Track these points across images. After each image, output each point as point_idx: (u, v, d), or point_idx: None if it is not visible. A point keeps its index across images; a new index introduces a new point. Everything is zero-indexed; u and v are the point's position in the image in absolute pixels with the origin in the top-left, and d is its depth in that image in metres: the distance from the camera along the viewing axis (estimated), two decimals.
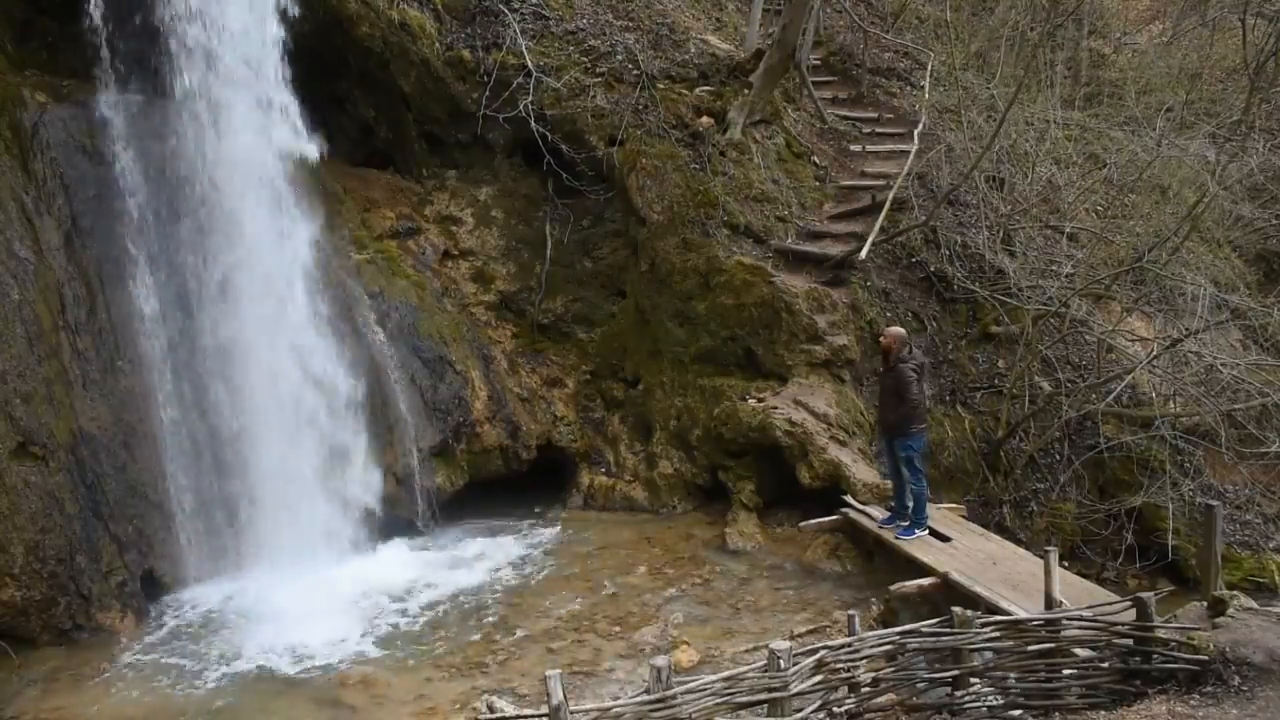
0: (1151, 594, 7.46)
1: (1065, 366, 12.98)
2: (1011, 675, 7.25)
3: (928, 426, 10.57)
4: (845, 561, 10.98)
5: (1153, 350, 12.49)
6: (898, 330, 10.69)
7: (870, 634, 7.16)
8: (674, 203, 13.10)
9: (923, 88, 16.08)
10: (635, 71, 13.88)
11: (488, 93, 13.34)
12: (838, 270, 13.22)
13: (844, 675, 6.80)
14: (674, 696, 6.15)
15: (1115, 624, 7.29)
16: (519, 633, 9.78)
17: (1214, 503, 8.44)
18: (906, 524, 10.37)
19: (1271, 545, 11.75)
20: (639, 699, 6.22)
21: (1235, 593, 7.99)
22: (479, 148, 13.93)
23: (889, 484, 11.26)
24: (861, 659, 6.88)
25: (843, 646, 6.85)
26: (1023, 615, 7.91)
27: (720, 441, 12.43)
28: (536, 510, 13.01)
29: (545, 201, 13.95)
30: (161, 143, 11.07)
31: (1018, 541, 11.01)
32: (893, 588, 9.59)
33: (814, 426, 11.75)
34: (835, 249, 13.40)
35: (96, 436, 10.18)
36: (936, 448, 12.36)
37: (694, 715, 6.19)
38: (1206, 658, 7.07)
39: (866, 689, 6.92)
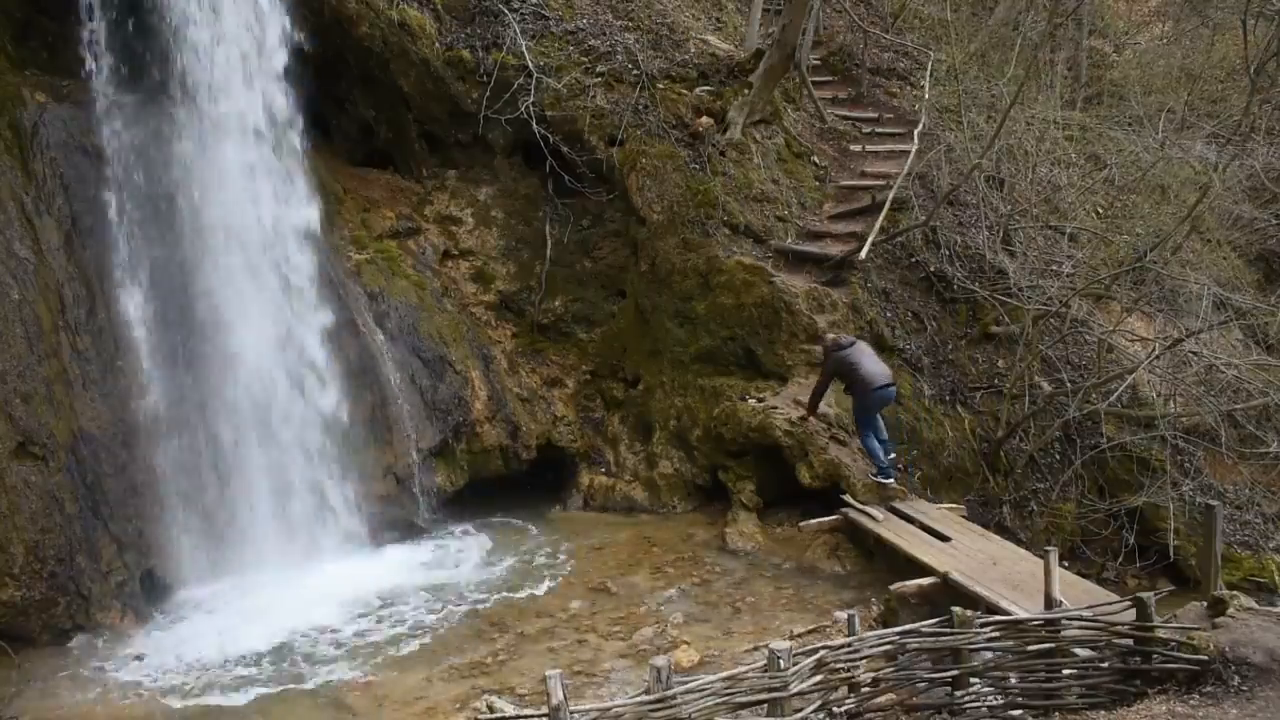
0: (1151, 594, 7.46)
1: (1065, 366, 12.98)
2: (1011, 675, 7.25)
3: (871, 394, 11.20)
4: (845, 561, 10.98)
5: (1153, 350, 12.49)
6: (823, 337, 11.90)
7: (870, 634, 7.15)
8: (674, 203, 13.10)
9: (923, 88, 16.07)
10: (635, 71, 13.87)
11: (488, 93, 13.33)
12: (838, 270, 13.22)
13: (844, 675, 6.80)
14: (674, 696, 6.15)
15: (1115, 624, 7.29)
16: (519, 633, 9.78)
17: (1214, 503, 8.44)
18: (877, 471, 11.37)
19: (1271, 545, 11.75)
20: (639, 699, 6.22)
21: (1235, 593, 7.98)
22: (479, 148, 13.92)
23: (889, 481, 11.31)
24: (861, 659, 6.88)
25: (843, 646, 6.85)
26: (1023, 615, 7.90)
27: (720, 441, 12.43)
28: (536, 510, 13.00)
29: (545, 201, 13.94)
30: (160, 142, 11.07)
31: (1018, 541, 11.01)
32: (893, 588, 9.59)
33: (814, 426, 11.75)
34: (835, 249, 13.40)
35: (96, 436, 10.17)
36: (936, 448, 12.37)
37: (694, 715, 6.19)
38: (1206, 658, 7.07)
39: (866, 689, 6.92)
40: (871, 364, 11.22)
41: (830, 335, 11.82)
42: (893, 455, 11.45)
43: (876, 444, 11.28)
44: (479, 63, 13.46)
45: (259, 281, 11.33)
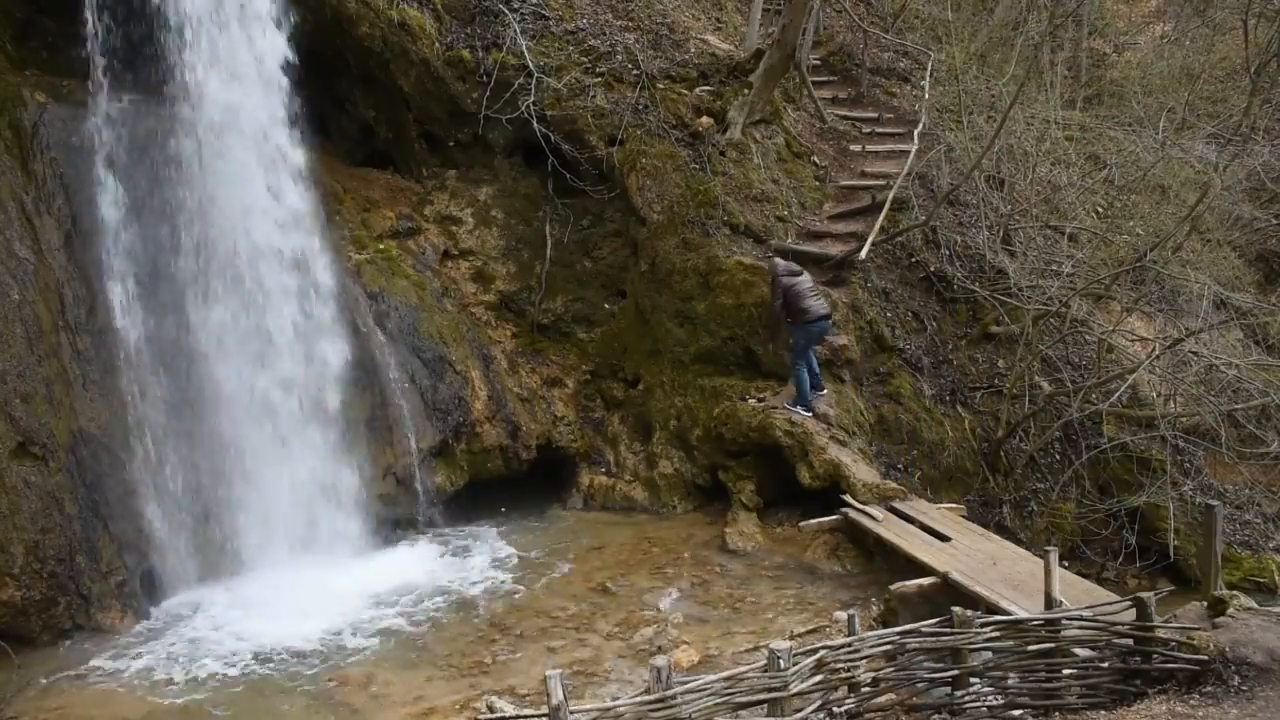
0: (1151, 594, 7.46)
1: (1065, 366, 12.99)
2: (1011, 675, 7.25)
3: (810, 325, 11.81)
4: (845, 561, 10.97)
5: (1153, 350, 12.50)
6: (770, 260, 12.38)
7: (870, 634, 7.15)
8: (674, 203, 13.10)
9: (923, 88, 16.08)
10: (635, 71, 13.87)
11: (488, 93, 13.33)
12: (838, 270, 13.23)
13: (844, 675, 6.80)
14: (674, 696, 6.15)
15: (1115, 624, 7.29)
16: (519, 633, 9.78)
17: (1214, 502, 8.43)
18: (792, 399, 12.00)
19: (1271, 545, 11.77)
20: (639, 699, 6.22)
21: (1235, 593, 7.98)
22: (479, 148, 13.92)
23: (889, 483, 11.32)
24: (861, 659, 6.88)
25: (843, 646, 6.85)
26: (1023, 615, 7.90)
27: (720, 441, 12.43)
28: (536, 510, 13.00)
29: (545, 201, 13.94)
30: (160, 142, 11.07)
31: (1018, 541, 11.01)
32: (893, 588, 9.59)
33: (814, 426, 11.75)
34: (835, 249, 13.41)
35: (96, 436, 10.18)
36: (936, 448, 12.37)
37: (694, 715, 6.19)
38: (1206, 658, 7.08)
39: (866, 689, 6.92)
40: (814, 297, 11.89)
41: (779, 260, 12.23)
42: (824, 392, 12.12)
43: (806, 376, 11.90)
44: (479, 63, 13.45)
45: (259, 281, 11.31)
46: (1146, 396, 12.60)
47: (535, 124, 13.17)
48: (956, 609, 7.21)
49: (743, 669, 6.53)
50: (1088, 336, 13.02)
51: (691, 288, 12.93)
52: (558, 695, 5.81)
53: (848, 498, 11.19)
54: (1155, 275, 13.09)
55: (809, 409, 11.86)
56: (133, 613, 10.12)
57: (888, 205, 13.47)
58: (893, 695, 7.10)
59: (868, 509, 10.94)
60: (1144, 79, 18.30)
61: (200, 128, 11.09)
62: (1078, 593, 8.71)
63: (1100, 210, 15.46)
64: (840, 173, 14.99)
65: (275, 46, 11.48)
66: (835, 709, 6.74)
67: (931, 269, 13.71)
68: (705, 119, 13.80)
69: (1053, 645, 7.26)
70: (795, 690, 6.45)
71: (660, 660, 6.27)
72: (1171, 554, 11.28)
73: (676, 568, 11.10)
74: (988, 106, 15.60)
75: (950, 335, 13.42)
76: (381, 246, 13.01)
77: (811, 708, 6.60)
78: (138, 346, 10.70)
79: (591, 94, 13.56)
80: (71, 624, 9.76)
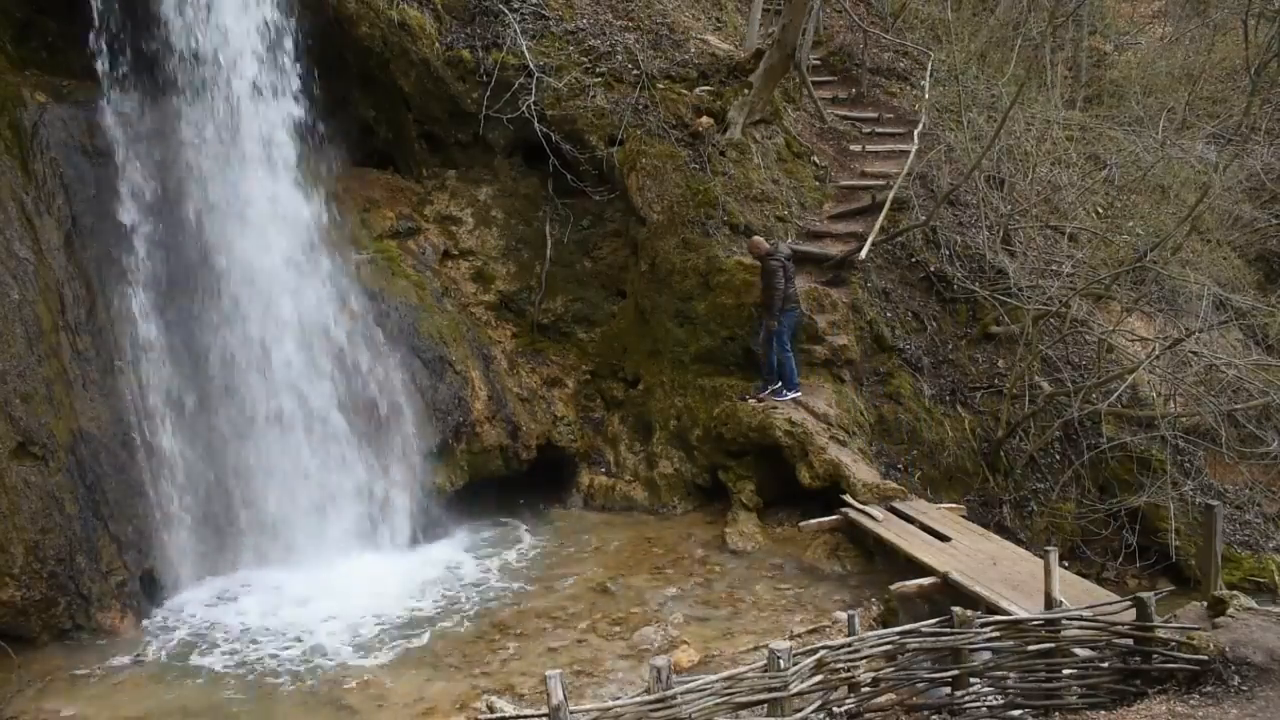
0: (1151, 594, 7.47)
1: (1065, 366, 12.99)
2: (1011, 675, 7.26)
3: (795, 310, 12.22)
4: (845, 561, 10.98)
5: (1153, 350, 12.50)
6: (757, 239, 12.44)
7: (870, 634, 7.16)
8: (674, 203, 13.10)
9: (923, 88, 16.08)
10: (635, 71, 13.87)
11: (488, 93, 13.33)
12: (838, 270, 13.24)
13: (844, 675, 6.81)
14: (674, 696, 6.16)
15: (1115, 624, 7.30)
16: (519, 633, 9.78)
17: (1214, 503, 8.45)
18: (778, 385, 12.11)
19: (1271, 545, 11.77)
20: (639, 699, 6.23)
21: (1235, 593, 7.99)
22: (479, 148, 13.91)
23: (889, 483, 11.30)
24: (861, 659, 6.89)
25: (843, 646, 6.85)
26: (1023, 615, 7.91)
27: (720, 441, 12.43)
28: (536, 510, 13.00)
29: (545, 201, 13.93)
30: (161, 142, 11.08)
31: (1018, 541, 11.02)
32: (893, 588, 9.59)
33: (814, 426, 11.75)
34: (835, 249, 13.42)
35: (96, 436, 10.18)
36: (936, 448, 12.37)
37: (694, 715, 6.19)
38: (1206, 658, 7.08)
39: (866, 689, 6.93)
40: (793, 285, 12.21)
41: (762, 241, 12.33)
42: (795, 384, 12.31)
43: (794, 363, 12.18)
44: (479, 63, 13.45)
45: (261, 279, 11.32)
46: (1146, 396, 12.60)
47: (535, 124, 13.17)
48: (956, 609, 7.21)
49: (743, 669, 6.54)
50: (1088, 336, 13.02)
51: (691, 288, 12.93)
52: (558, 695, 5.81)
53: (848, 498, 11.19)
54: (1155, 275, 13.11)
55: (794, 390, 12.10)
56: (133, 613, 10.12)
57: (888, 205, 13.47)
58: (893, 695, 7.10)
59: (868, 509, 10.94)
60: (1144, 79, 18.32)
61: (201, 125, 11.10)
62: (1078, 593, 8.72)
63: (1100, 210, 15.47)
64: (840, 173, 15.00)
65: (277, 46, 11.50)
66: (835, 709, 6.74)
67: (931, 269, 13.71)
68: (705, 119, 13.79)
69: (1053, 645, 7.26)
70: (795, 690, 6.46)
71: (660, 660, 6.28)
72: (1171, 554, 11.29)
73: (676, 568, 11.10)
74: (988, 106, 15.61)
75: (950, 335, 13.42)
76: (381, 246, 13.00)
77: (811, 708, 6.60)
78: (140, 344, 10.70)
79: (591, 94, 13.56)
80: (71, 624, 9.76)
